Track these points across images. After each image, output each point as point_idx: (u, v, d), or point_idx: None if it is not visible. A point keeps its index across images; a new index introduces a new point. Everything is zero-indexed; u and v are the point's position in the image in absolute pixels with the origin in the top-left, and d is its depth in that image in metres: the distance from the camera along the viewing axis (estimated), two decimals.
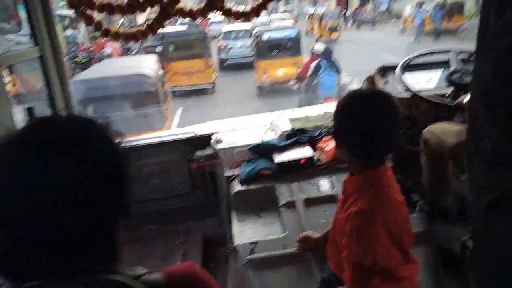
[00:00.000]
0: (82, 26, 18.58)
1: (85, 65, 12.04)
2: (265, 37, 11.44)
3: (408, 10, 21.25)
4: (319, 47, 8.09)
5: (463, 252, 1.70)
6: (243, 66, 13.77)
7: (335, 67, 7.69)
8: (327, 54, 7.77)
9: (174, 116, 8.19)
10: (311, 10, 25.31)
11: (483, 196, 0.77)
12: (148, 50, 13.27)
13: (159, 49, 12.45)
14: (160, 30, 2.47)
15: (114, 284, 0.63)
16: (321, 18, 20.49)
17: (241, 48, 14.52)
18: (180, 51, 11.46)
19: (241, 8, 2.43)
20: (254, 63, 11.59)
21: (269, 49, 11.38)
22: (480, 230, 0.83)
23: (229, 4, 2.41)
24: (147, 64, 7.06)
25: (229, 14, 2.37)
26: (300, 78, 8.46)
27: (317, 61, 7.74)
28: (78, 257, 0.63)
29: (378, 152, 1.16)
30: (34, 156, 0.61)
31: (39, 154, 0.61)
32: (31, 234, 0.60)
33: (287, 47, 11.50)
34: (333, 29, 19.91)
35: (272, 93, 10.86)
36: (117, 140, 0.71)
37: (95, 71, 7.57)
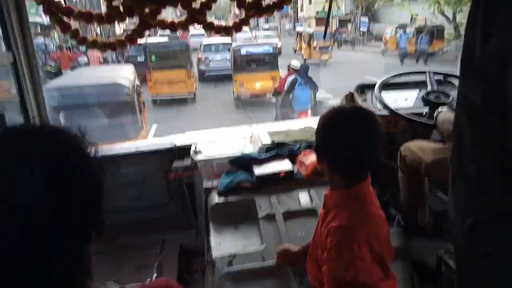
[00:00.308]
0: (55, 34, 18.23)
1: (55, 74, 11.88)
2: (243, 51, 11.84)
3: (388, 33, 22.00)
4: (296, 63, 8.29)
5: (439, 267, 1.73)
6: (222, 78, 14.12)
7: (310, 83, 7.89)
8: (303, 70, 7.96)
9: (150, 127, 8.15)
10: (299, 28, 24.89)
11: (467, 217, 0.79)
12: (130, 60, 13.45)
13: (141, 59, 12.83)
14: (140, 41, 2.46)
15: None
16: (310, 37, 19.79)
17: (221, 61, 14.95)
18: (163, 61, 11.74)
19: (222, 23, 2.45)
20: (232, 76, 11.91)
21: (247, 63, 11.79)
22: (464, 250, 0.84)
23: (210, 19, 2.43)
24: (123, 74, 7.00)
25: (211, 28, 2.37)
26: (277, 92, 8.62)
27: (293, 76, 7.92)
28: (46, 273, 0.59)
29: (361, 168, 1.17)
30: (2, 169, 0.58)
31: (8, 166, 0.58)
32: None
33: (264, 61, 11.93)
34: (324, 50, 19.26)
35: (249, 105, 11.19)
36: (92, 151, 0.68)
37: (69, 79, 7.49)
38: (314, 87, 7.93)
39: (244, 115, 10.47)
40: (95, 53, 14.00)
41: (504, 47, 0.71)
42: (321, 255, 1.21)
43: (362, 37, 27.80)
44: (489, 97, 0.75)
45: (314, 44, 19.29)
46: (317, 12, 31.89)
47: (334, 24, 30.66)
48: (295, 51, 22.84)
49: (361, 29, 27.70)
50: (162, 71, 11.59)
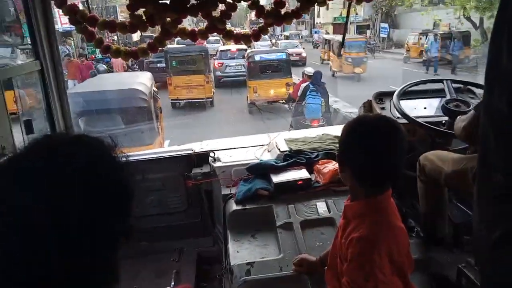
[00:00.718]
0: (72, 42, 18.62)
1: None
2: (257, 58, 12.07)
3: (411, 39, 20.77)
4: (310, 70, 8.57)
5: (459, 279, 1.70)
6: (237, 84, 14.37)
7: (322, 91, 8.02)
8: (315, 78, 8.12)
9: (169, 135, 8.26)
10: (328, 36, 22.12)
11: (494, 228, 0.78)
12: (150, 66, 14.10)
13: (160, 64, 13.56)
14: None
15: None
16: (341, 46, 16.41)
17: (236, 66, 15.27)
18: (183, 66, 12.33)
19: (239, 30, 2.48)
20: (246, 82, 12.15)
21: (260, 69, 11.99)
22: (488, 264, 0.83)
23: (228, 26, 2.46)
24: (140, 80, 7.17)
25: (230, 37, 2.41)
26: (291, 98, 8.83)
27: (306, 83, 8.11)
28: (79, 277, 0.62)
29: (385, 177, 1.17)
30: (40, 179, 0.60)
31: (43, 177, 0.60)
32: (25, 256, 0.58)
33: (278, 68, 12.10)
34: (358, 61, 16.23)
35: (264, 111, 11.30)
36: (122, 158, 0.70)
37: (88, 85, 7.62)
38: (325, 95, 8.09)
39: (259, 121, 10.53)
40: (119, 60, 14.28)
41: None
42: (341, 266, 1.21)
43: (382, 44, 26.56)
44: None
45: (345, 55, 16.42)
46: (334, 18, 31.20)
47: (351, 31, 29.64)
48: (323, 61, 20.85)
49: (381, 35, 26.46)
50: (182, 76, 12.10)
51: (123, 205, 0.68)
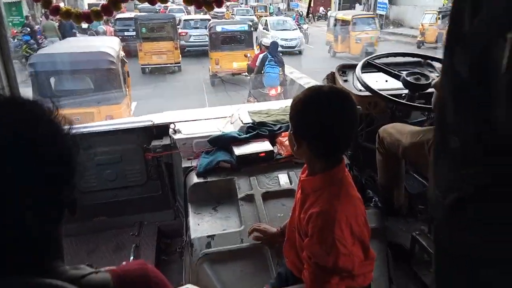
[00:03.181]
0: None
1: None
2: (219, 29, 11.96)
3: (427, 20, 17.16)
4: (267, 40, 9.02)
5: (413, 247, 1.77)
6: (201, 54, 14.44)
7: (279, 60, 8.44)
8: (273, 48, 8.47)
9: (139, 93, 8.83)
10: (335, 13, 18.10)
11: (448, 194, 0.79)
12: (117, 34, 14.53)
13: (128, 33, 14.28)
14: (130, 15, 2.35)
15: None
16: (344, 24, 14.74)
17: (200, 36, 15.26)
18: (152, 33, 12.75)
19: None
20: (208, 54, 12.08)
21: (222, 41, 11.92)
22: (444, 229, 0.84)
23: None
24: (109, 44, 7.43)
25: (190, 2, 2.28)
26: (250, 68, 8.98)
27: (264, 53, 8.43)
28: (13, 255, 0.56)
29: (339, 150, 1.17)
30: None
31: None
32: None
33: (240, 40, 12.06)
34: (370, 46, 14.15)
35: (227, 81, 11.29)
36: (65, 126, 0.64)
37: (59, 47, 8.01)
38: (281, 64, 8.52)
39: (223, 92, 10.52)
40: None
41: (491, 21, 0.70)
42: (300, 240, 1.21)
43: (380, 22, 19.81)
44: (477, 70, 0.74)
45: (356, 36, 14.58)
46: None
47: (332, 5, 27.76)
48: (335, 53, 15.90)
49: (378, 11, 21.18)
50: (152, 42, 12.55)
51: (62, 174, 0.62)
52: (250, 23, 13.06)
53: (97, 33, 14.60)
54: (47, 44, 12.48)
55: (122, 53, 7.58)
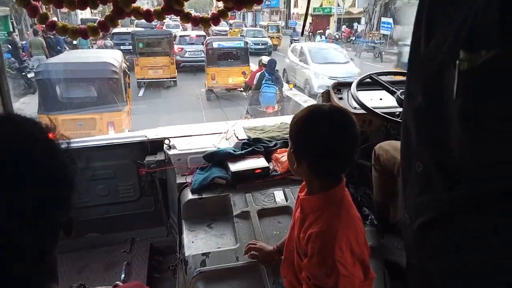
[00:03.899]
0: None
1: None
2: (215, 45, 12.13)
3: None
4: (265, 58, 8.96)
5: (409, 265, 1.75)
6: (197, 70, 14.71)
7: (276, 80, 8.43)
8: (270, 66, 8.46)
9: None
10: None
11: (417, 217, 0.79)
12: (114, 48, 14.78)
13: (124, 47, 14.32)
14: (128, 29, 2.37)
15: None
16: None
17: (195, 52, 15.46)
18: (148, 48, 13.04)
19: (200, 14, 2.38)
20: (205, 69, 12.28)
21: (219, 57, 12.08)
22: (413, 251, 0.85)
23: (191, 12, 2.35)
24: (112, 56, 7.95)
25: (188, 19, 2.30)
26: (247, 86, 9.10)
27: (261, 72, 8.45)
28: (6, 279, 0.53)
29: (340, 168, 1.16)
30: None
31: None
32: None
33: (236, 56, 12.22)
34: None
35: (221, 98, 11.38)
36: (61, 145, 0.63)
37: (65, 57, 8.41)
38: (279, 83, 8.50)
39: (218, 108, 10.55)
40: None
41: (442, 48, 0.71)
42: (298, 260, 1.19)
43: (382, 44, 19.68)
44: (430, 95, 0.76)
45: None
46: (314, 9, 28.61)
47: (331, 23, 26.25)
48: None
49: (382, 31, 20.68)
50: (148, 57, 12.86)
51: (58, 194, 0.60)
52: (246, 40, 13.07)
53: (105, 47, 14.94)
54: (33, 62, 12.30)
55: (124, 65, 8.08)
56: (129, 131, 7.29)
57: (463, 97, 0.67)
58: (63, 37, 13.61)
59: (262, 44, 20.14)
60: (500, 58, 0.61)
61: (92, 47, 15.35)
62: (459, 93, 0.67)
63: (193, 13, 2.39)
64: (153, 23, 17.02)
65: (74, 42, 14.49)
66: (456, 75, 0.66)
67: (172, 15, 2.29)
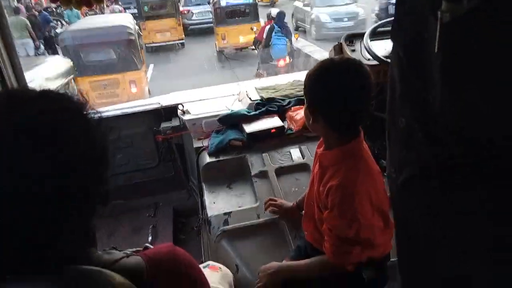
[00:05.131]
0: None
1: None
2: (223, 3, 11.64)
3: None
4: (274, 11, 8.86)
5: None
6: (205, 32, 14.06)
7: (286, 31, 8.37)
8: (279, 18, 8.36)
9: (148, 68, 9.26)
10: None
11: (399, 173, 0.79)
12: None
13: (129, 11, 13.90)
14: None
15: (87, 275, 0.58)
16: None
17: (203, 13, 14.75)
18: (154, 11, 12.77)
19: None
20: (214, 29, 11.87)
21: (227, 15, 11.67)
22: (397, 205, 0.86)
23: None
24: (126, 19, 8.53)
25: None
26: (256, 41, 8.90)
27: (270, 25, 8.36)
28: (50, 245, 0.57)
29: (356, 122, 1.15)
30: (5, 137, 0.53)
31: (11, 134, 0.53)
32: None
33: (245, 13, 11.78)
34: None
35: (232, 58, 11.24)
36: (95, 116, 0.63)
37: (82, 24, 8.88)
38: (289, 34, 8.46)
39: (229, 70, 10.40)
40: None
41: (419, 9, 0.68)
42: (319, 214, 1.21)
43: None
44: (411, 55, 0.73)
45: None
46: None
47: None
48: None
49: None
50: (155, 20, 12.59)
51: (100, 168, 0.62)
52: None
53: (115, 12, 14.52)
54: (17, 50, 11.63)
55: (136, 27, 8.59)
56: (148, 89, 7.98)
57: (444, 51, 0.63)
58: (49, 13, 12.68)
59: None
60: (483, 8, 0.57)
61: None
62: (440, 47, 0.64)
63: None
64: None
65: (65, 19, 13.63)
66: (438, 27, 0.63)
67: None
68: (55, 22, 13.18)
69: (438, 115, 0.68)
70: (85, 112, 0.62)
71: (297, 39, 9.67)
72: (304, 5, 12.95)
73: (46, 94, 0.62)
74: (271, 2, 17.83)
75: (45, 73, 4.43)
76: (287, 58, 8.20)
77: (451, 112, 0.66)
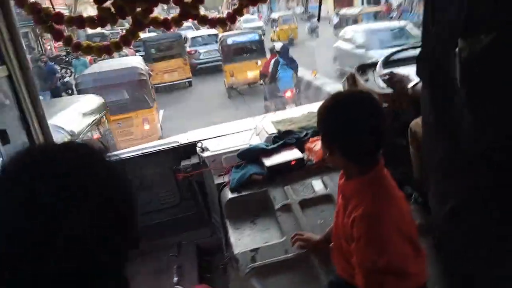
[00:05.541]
0: None
1: None
2: (230, 41, 12.00)
3: None
4: (278, 45, 9.14)
5: None
6: (213, 70, 14.40)
7: (291, 63, 8.63)
8: (284, 52, 8.64)
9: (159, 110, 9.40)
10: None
11: (442, 204, 0.78)
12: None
13: (141, 52, 14.33)
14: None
15: None
16: None
17: (210, 52, 15.18)
18: (161, 52, 13.41)
19: (215, 15, 2.39)
20: (222, 67, 12.16)
21: (234, 52, 12.03)
22: (441, 234, 0.85)
23: (201, 11, 2.37)
24: (136, 61, 9.21)
25: (205, 22, 2.32)
26: (263, 74, 9.14)
27: (275, 58, 8.61)
28: None
29: (374, 151, 1.15)
30: (30, 195, 0.54)
31: (35, 192, 0.55)
32: (28, 276, 0.54)
33: (252, 49, 12.15)
34: None
35: (244, 93, 11.51)
36: (116, 161, 0.65)
37: (96, 68, 9.42)
38: (294, 67, 8.68)
39: (242, 104, 10.54)
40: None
41: (441, 36, 0.71)
42: (346, 247, 1.19)
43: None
44: (435, 84, 0.75)
45: None
46: None
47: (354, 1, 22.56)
48: None
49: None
50: (162, 62, 13.14)
51: (129, 213, 0.63)
52: (260, 32, 12.76)
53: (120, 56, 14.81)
54: None
55: (147, 67, 9.21)
56: (160, 125, 8.31)
57: (467, 86, 0.65)
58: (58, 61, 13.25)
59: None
60: (499, 41, 0.59)
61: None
62: (462, 82, 0.66)
63: (205, 12, 2.40)
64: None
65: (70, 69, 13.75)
66: (457, 64, 0.65)
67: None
68: (64, 70, 13.72)
69: (472, 147, 0.69)
70: (106, 159, 0.64)
71: (315, 76, 9.79)
72: (357, 47, 10.38)
73: (68, 146, 0.65)
74: (289, 41, 17.84)
75: (82, 109, 4.57)
76: (294, 89, 8.44)
77: (483, 142, 0.67)
